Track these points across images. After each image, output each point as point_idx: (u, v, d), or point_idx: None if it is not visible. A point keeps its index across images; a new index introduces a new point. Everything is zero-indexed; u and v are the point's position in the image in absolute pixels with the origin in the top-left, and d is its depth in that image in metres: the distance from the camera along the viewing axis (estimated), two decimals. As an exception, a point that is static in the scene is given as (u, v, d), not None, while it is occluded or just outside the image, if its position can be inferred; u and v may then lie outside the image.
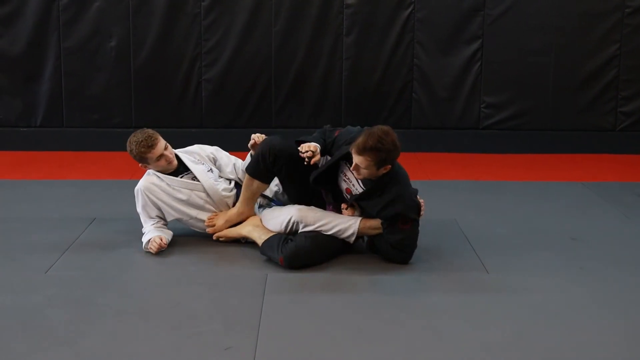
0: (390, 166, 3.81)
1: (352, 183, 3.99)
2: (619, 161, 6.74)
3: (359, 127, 4.11)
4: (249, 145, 4.27)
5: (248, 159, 4.29)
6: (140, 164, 4.26)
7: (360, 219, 4.00)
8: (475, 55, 6.93)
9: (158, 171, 4.25)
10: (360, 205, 4.00)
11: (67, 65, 6.88)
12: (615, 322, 3.33)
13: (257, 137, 4.23)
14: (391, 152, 3.74)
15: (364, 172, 3.80)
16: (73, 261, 4.00)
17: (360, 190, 3.96)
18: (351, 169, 3.85)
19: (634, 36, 6.89)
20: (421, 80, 6.98)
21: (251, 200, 4.23)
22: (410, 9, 6.86)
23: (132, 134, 4.22)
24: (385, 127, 3.79)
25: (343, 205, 4.07)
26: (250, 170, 4.14)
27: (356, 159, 3.75)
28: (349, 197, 4.05)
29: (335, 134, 4.13)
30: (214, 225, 4.26)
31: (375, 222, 3.97)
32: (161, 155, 4.18)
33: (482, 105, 7.02)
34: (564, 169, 6.47)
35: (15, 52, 6.86)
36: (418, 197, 3.97)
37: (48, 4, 6.77)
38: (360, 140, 3.72)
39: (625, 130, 7.04)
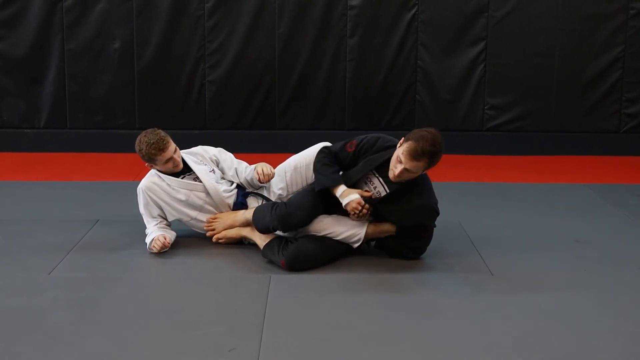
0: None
1: (377, 189, 3.96)
2: (623, 163, 6.72)
3: (372, 134, 4.05)
4: (254, 174, 4.23)
5: (250, 171, 4.29)
6: (146, 163, 4.26)
7: (367, 224, 3.98)
8: (479, 57, 6.92)
9: (162, 171, 4.26)
10: (377, 208, 3.95)
11: (70, 67, 6.89)
12: (619, 324, 3.32)
13: (262, 175, 4.16)
14: (441, 153, 3.76)
15: (408, 176, 3.78)
16: (77, 262, 4.00)
17: (384, 193, 3.93)
18: (396, 174, 3.75)
19: (639, 38, 6.87)
20: (425, 81, 6.97)
21: None
22: (414, 11, 6.86)
23: (143, 133, 4.19)
24: (431, 129, 3.78)
25: None
26: (264, 231, 4.08)
27: (409, 164, 3.70)
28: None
29: (351, 150, 3.99)
30: (213, 229, 4.26)
31: (387, 227, 3.97)
32: (170, 159, 4.18)
33: (485, 107, 7.01)
34: (568, 171, 6.45)
35: (19, 54, 6.87)
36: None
37: (52, 6, 6.78)
38: (412, 146, 3.67)
39: (629, 132, 7.02)
